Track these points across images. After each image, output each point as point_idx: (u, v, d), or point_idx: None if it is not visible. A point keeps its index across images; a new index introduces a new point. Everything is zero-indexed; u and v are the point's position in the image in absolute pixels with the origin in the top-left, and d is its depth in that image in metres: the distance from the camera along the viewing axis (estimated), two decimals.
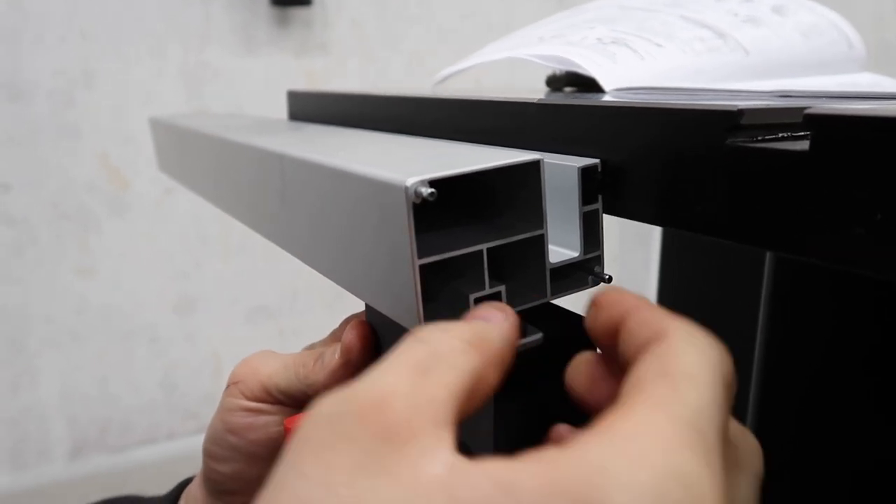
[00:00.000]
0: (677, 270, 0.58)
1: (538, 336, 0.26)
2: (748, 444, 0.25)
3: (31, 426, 1.59)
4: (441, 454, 0.18)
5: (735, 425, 0.24)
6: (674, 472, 0.17)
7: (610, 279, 0.28)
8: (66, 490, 1.58)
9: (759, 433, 0.40)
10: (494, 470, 0.17)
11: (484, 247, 0.25)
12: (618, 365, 0.24)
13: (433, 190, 0.23)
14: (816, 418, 0.38)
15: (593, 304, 0.25)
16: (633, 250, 1.98)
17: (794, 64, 0.50)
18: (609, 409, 0.19)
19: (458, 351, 0.21)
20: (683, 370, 0.20)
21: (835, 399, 0.37)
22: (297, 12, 1.62)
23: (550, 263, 0.27)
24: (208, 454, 0.38)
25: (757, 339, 0.40)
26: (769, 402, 0.39)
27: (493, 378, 0.22)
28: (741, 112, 0.22)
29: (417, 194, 0.23)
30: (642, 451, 0.17)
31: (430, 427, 0.18)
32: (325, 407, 0.19)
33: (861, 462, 0.36)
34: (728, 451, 0.21)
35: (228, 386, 0.38)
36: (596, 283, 0.28)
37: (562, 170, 0.27)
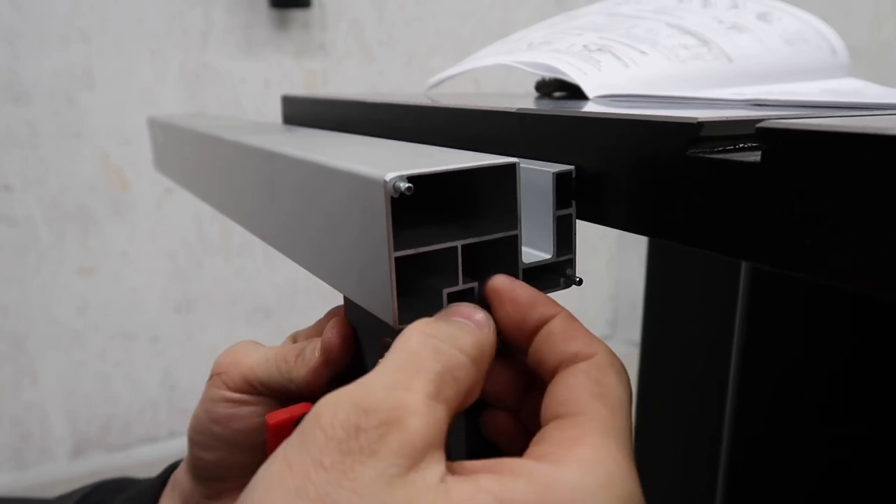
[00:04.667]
0: (663, 269, 0.59)
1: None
2: None
3: (33, 425, 1.60)
4: (440, 471, 0.21)
5: None
6: (630, 494, 0.22)
7: (580, 282, 0.29)
8: (67, 488, 1.59)
9: (737, 421, 0.41)
10: (490, 486, 0.20)
11: (458, 244, 0.26)
12: (516, 351, 0.28)
13: (410, 185, 0.24)
14: (791, 413, 0.39)
15: (503, 298, 0.27)
16: (630, 250, 1.99)
17: (777, 71, 0.51)
18: (559, 421, 0.23)
19: (465, 368, 0.24)
20: (616, 397, 0.24)
21: (808, 396, 0.38)
22: (297, 14, 1.64)
23: (523, 263, 0.28)
24: (193, 442, 0.39)
25: (735, 335, 0.41)
26: (746, 393, 0.41)
27: (479, 389, 0.25)
28: (701, 124, 0.23)
29: (396, 189, 0.24)
30: (610, 478, 0.21)
31: (436, 447, 0.22)
32: (343, 412, 0.21)
33: (833, 459, 0.37)
34: None
35: (212, 376, 0.38)
36: (567, 285, 0.29)
37: (537, 174, 0.29)
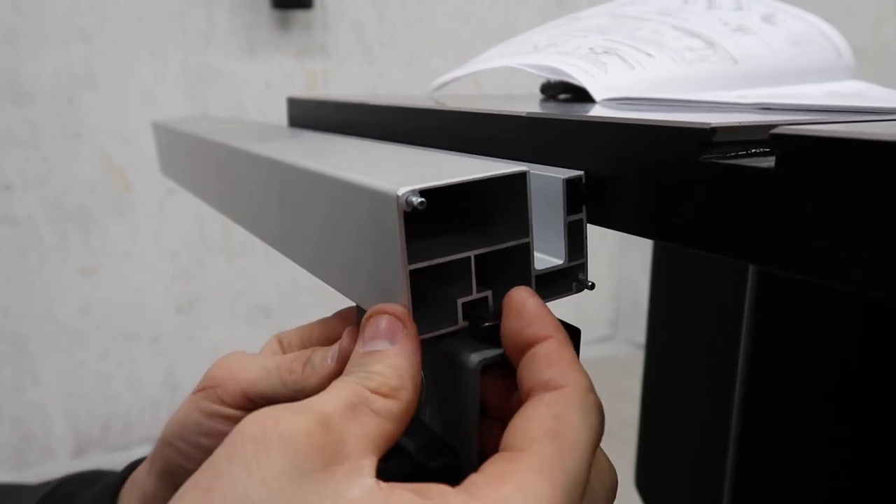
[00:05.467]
0: (669, 271, 0.59)
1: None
2: (605, 468, 0.27)
3: (35, 425, 1.60)
4: (362, 480, 0.21)
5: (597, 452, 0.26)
6: None
7: (593, 286, 0.29)
8: None
9: (744, 425, 0.41)
10: (402, 499, 0.20)
11: (472, 254, 0.26)
12: (512, 366, 0.27)
13: (423, 199, 0.24)
14: (799, 416, 0.39)
15: (511, 310, 0.26)
16: (631, 250, 1.99)
17: (782, 73, 0.51)
18: (502, 453, 0.22)
19: (380, 402, 0.24)
20: (571, 437, 0.22)
21: (815, 398, 0.38)
22: (298, 15, 1.64)
23: (536, 270, 0.28)
24: (175, 450, 0.37)
25: (742, 338, 0.41)
26: (753, 396, 0.41)
27: (413, 396, 0.25)
28: (714, 129, 0.23)
29: (409, 203, 0.24)
30: None
31: (356, 455, 0.22)
32: (264, 416, 0.22)
33: (840, 462, 0.37)
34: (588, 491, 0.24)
35: (204, 388, 0.36)
36: (580, 290, 0.29)
37: (547, 181, 0.29)
